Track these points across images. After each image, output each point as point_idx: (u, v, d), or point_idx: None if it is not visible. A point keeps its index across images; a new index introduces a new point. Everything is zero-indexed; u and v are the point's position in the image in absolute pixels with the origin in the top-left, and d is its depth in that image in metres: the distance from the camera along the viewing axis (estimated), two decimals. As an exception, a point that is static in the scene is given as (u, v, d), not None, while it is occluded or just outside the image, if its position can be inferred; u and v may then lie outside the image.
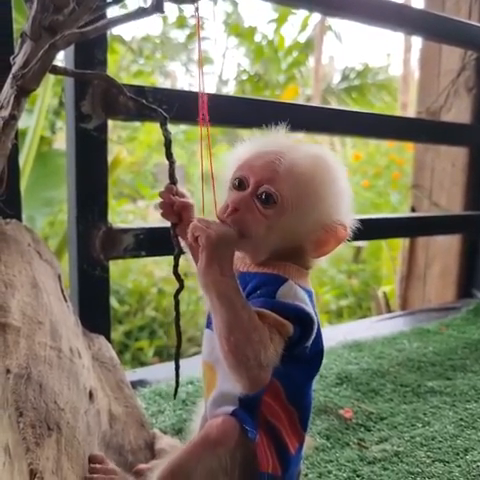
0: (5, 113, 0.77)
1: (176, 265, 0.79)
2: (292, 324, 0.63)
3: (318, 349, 0.70)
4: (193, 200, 0.77)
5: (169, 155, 0.77)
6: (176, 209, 0.74)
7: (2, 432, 0.68)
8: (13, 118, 0.78)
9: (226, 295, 0.60)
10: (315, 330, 0.66)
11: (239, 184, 0.68)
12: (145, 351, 3.05)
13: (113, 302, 3.05)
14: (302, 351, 0.67)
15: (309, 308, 0.65)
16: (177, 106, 1.05)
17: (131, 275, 3.34)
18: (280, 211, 0.65)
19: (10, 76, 0.77)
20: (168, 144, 0.78)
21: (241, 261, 0.70)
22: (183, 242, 0.77)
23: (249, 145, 0.70)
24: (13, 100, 0.77)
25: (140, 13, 0.73)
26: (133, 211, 4.00)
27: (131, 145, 4.39)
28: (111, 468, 0.67)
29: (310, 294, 0.68)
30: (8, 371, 0.66)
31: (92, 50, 1.00)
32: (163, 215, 0.75)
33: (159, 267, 3.40)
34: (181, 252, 0.78)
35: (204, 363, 0.73)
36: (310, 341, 0.67)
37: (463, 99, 1.93)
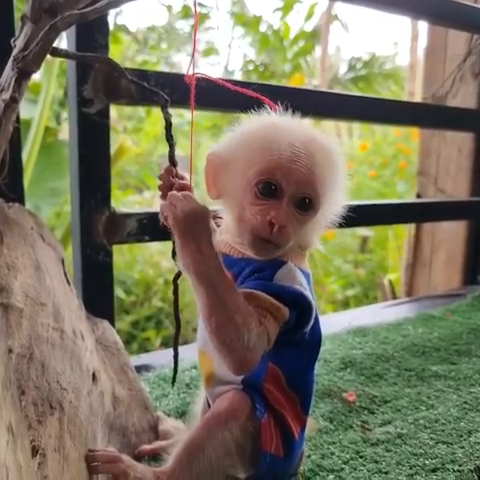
0: (6, 95, 0.77)
1: (174, 248, 0.79)
2: (289, 308, 0.62)
3: (316, 333, 0.70)
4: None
5: (169, 137, 0.77)
6: (175, 191, 0.74)
7: (5, 411, 0.68)
8: (14, 101, 0.78)
9: (206, 275, 0.57)
10: (313, 315, 0.66)
11: (267, 189, 0.63)
12: (152, 341, 3.06)
13: (120, 292, 3.07)
14: (299, 336, 0.67)
15: (307, 292, 0.65)
16: (180, 90, 1.04)
17: (138, 265, 3.35)
18: (313, 214, 0.65)
19: (11, 59, 0.77)
20: (168, 126, 0.77)
21: (234, 247, 0.69)
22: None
23: (251, 132, 0.66)
24: (14, 83, 0.77)
25: (140, -7, 0.73)
26: (139, 202, 4.01)
27: (137, 136, 4.39)
28: (116, 454, 0.66)
29: (308, 276, 0.68)
30: (10, 351, 0.66)
31: (93, 34, 1.00)
32: (163, 197, 0.75)
33: (165, 257, 3.41)
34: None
35: (200, 352, 0.73)
36: (309, 326, 0.66)
37: (469, 84, 1.92)
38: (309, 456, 0.81)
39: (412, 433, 0.88)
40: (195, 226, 0.57)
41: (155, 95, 0.78)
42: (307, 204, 0.64)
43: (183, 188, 0.74)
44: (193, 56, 0.70)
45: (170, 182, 0.73)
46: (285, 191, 0.63)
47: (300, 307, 0.64)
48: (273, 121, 0.66)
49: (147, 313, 3.17)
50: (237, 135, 0.67)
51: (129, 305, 3.20)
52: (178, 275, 0.80)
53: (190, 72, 0.70)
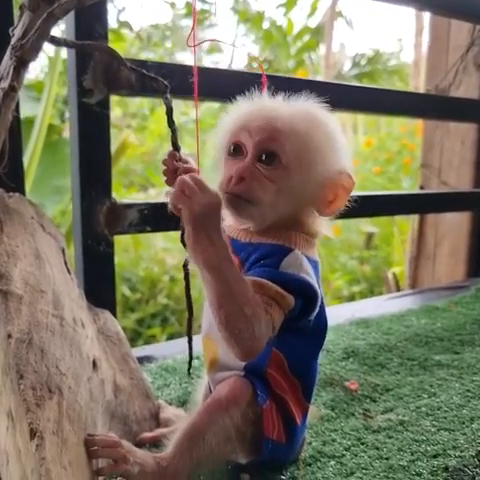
0: (5, 84, 0.78)
1: (183, 233, 0.78)
2: (294, 296, 0.62)
3: (321, 321, 0.70)
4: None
5: (171, 123, 0.77)
6: (180, 175, 0.74)
7: (5, 397, 0.68)
8: (13, 89, 0.78)
9: (217, 267, 0.57)
10: (318, 303, 0.66)
11: (235, 150, 0.66)
12: (157, 338, 3.06)
13: (125, 290, 3.07)
14: (304, 324, 0.67)
15: (313, 280, 0.64)
16: (181, 80, 1.04)
17: (143, 263, 3.35)
18: (285, 171, 0.64)
19: (9, 47, 0.77)
20: (169, 112, 0.77)
21: (242, 231, 0.70)
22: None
23: (238, 109, 0.68)
24: (12, 71, 0.77)
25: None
26: (144, 199, 4.02)
27: (141, 135, 4.40)
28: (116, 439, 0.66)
29: (316, 264, 0.68)
30: (9, 336, 0.66)
31: (93, 24, 1.00)
32: (167, 182, 0.75)
33: (171, 255, 3.41)
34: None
35: (204, 337, 0.73)
36: (313, 314, 0.66)
37: (472, 75, 1.91)
38: (310, 443, 0.81)
39: (414, 420, 0.88)
40: (209, 219, 0.57)
41: (154, 81, 0.78)
42: (271, 158, 0.63)
43: (188, 171, 0.74)
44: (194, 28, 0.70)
45: (174, 166, 0.73)
46: (246, 149, 0.65)
47: (306, 295, 0.64)
48: (254, 100, 0.68)
49: (152, 310, 3.17)
50: (224, 118, 0.70)
51: (134, 302, 3.20)
52: (188, 261, 0.80)
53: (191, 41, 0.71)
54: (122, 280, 3.09)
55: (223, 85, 0.96)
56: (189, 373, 0.86)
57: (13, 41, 0.77)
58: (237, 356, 0.61)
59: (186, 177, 0.58)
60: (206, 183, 0.58)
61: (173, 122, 0.77)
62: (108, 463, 0.64)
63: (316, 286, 0.65)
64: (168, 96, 0.78)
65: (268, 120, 0.64)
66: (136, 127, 4.39)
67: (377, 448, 0.80)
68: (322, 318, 0.69)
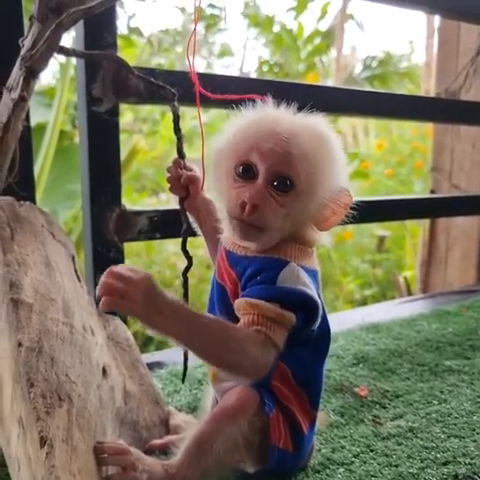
0: (15, 94, 0.79)
1: (184, 241, 0.79)
2: (296, 311, 0.62)
3: (325, 330, 0.69)
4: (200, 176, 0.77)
5: (177, 130, 0.78)
6: (184, 183, 0.75)
7: (16, 404, 0.69)
8: (23, 99, 0.79)
9: (180, 333, 0.58)
10: (320, 314, 0.66)
11: (245, 171, 0.63)
12: (169, 343, 3.06)
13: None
14: (308, 334, 0.67)
15: (312, 292, 0.64)
16: (189, 88, 1.05)
17: (155, 267, 3.37)
18: (297, 196, 0.63)
19: (19, 58, 0.78)
20: (176, 120, 0.78)
21: (238, 245, 0.69)
22: (192, 217, 0.78)
23: (244, 124, 0.65)
24: (22, 81, 0.78)
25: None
26: (155, 204, 4.03)
27: (152, 139, 4.42)
28: (125, 447, 0.67)
29: (314, 274, 0.67)
30: (20, 344, 0.67)
31: (101, 33, 1.01)
32: (171, 189, 0.76)
33: (182, 259, 3.42)
34: (190, 228, 0.79)
35: None
36: (316, 324, 0.66)
37: (482, 78, 1.90)
38: (319, 450, 0.81)
39: (424, 427, 0.87)
40: (152, 300, 0.56)
41: (162, 89, 0.79)
42: (285, 183, 0.62)
43: (191, 180, 0.75)
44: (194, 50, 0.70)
45: (178, 174, 0.74)
46: (261, 171, 0.62)
47: (306, 308, 0.63)
48: (260, 111, 0.66)
49: (164, 315, 3.17)
50: (227, 128, 0.67)
51: (146, 307, 3.21)
52: (187, 269, 0.81)
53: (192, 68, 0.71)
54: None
55: (230, 91, 0.96)
56: (183, 381, 0.87)
57: (23, 52, 0.78)
58: (249, 381, 0.64)
59: (108, 280, 0.56)
60: (124, 271, 0.56)
61: (179, 130, 0.78)
62: (117, 470, 0.65)
63: (316, 297, 0.64)
64: (175, 104, 0.79)
65: (281, 143, 0.62)
66: (147, 132, 4.42)
67: (386, 455, 0.79)
68: (325, 326, 0.69)
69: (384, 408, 0.95)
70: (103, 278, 0.56)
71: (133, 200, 3.48)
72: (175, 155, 0.76)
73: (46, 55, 0.78)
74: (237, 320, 0.64)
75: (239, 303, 0.63)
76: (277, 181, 0.62)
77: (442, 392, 1.00)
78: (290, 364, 0.68)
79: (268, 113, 0.65)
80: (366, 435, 0.85)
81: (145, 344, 3.02)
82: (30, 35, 0.79)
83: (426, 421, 0.89)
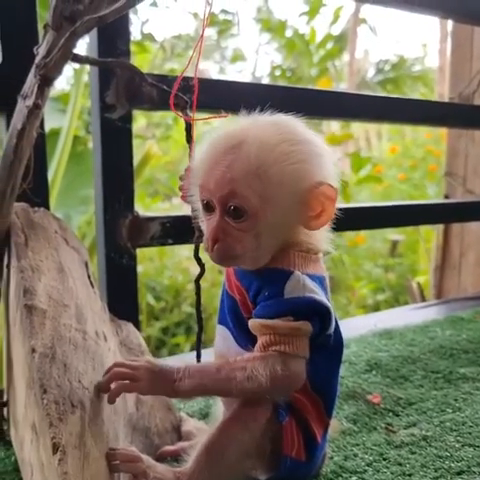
0: (29, 102, 0.79)
1: (197, 248, 0.79)
2: (309, 319, 0.62)
3: (337, 336, 0.69)
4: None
5: (189, 138, 0.78)
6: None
7: (29, 410, 0.70)
8: (37, 107, 0.80)
9: (196, 387, 0.63)
10: (333, 317, 0.66)
11: (206, 206, 0.65)
12: (182, 347, 3.07)
13: (150, 299, 3.09)
14: (325, 339, 0.67)
15: (321, 296, 0.64)
16: (202, 95, 1.05)
17: (167, 272, 3.38)
18: (255, 217, 0.62)
19: (33, 66, 0.79)
20: (188, 128, 0.78)
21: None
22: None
23: (201, 152, 0.66)
24: (37, 89, 0.79)
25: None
26: (168, 209, 4.04)
27: (165, 144, 4.44)
28: (136, 454, 0.67)
29: (321, 280, 0.66)
30: (33, 350, 0.68)
31: (115, 41, 1.02)
32: (183, 198, 0.76)
33: (194, 264, 3.42)
34: (202, 235, 0.79)
35: (219, 355, 0.73)
36: (331, 328, 0.66)
37: (496, 83, 1.88)
38: (332, 457, 0.81)
39: (438, 435, 0.87)
40: (156, 376, 0.64)
41: (175, 97, 0.79)
42: (236, 212, 0.62)
43: None
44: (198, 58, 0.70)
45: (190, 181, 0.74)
46: (215, 205, 0.63)
47: (319, 314, 0.63)
48: (213, 139, 0.65)
49: (177, 319, 3.18)
50: (198, 150, 0.68)
51: (159, 311, 3.22)
52: (200, 276, 0.81)
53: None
54: (147, 289, 3.12)
55: (239, 98, 0.96)
56: None
57: (37, 60, 0.79)
58: (285, 396, 0.67)
59: (116, 369, 0.66)
60: (126, 360, 0.67)
61: (191, 137, 0.78)
62: (129, 478, 0.65)
63: (325, 301, 0.64)
64: (188, 111, 0.79)
65: (222, 172, 0.61)
66: (160, 137, 4.44)
67: (400, 464, 0.79)
68: (337, 333, 0.69)
69: (397, 416, 0.94)
70: (111, 370, 0.66)
71: (146, 205, 3.50)
72: (188, 161, 0.76)
73: (60, 63, 0.78)
74: (252, 334, 0.64)
75: (254, 325, 0.64)
76: (229, 211, 0.62)
77: (456, 400, 0.99)
78: (307, 371, 0.68)
79: (216, 141, 0.64)
80: (379, 443, 0.85)
81: (158, 348, 3.04)
82: (44, 43, 0.80)
83: (440, 430, 0.88)
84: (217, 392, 0.66)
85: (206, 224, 0.65)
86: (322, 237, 0.68)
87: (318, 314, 0.63)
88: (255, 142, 0.61)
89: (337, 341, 0.70)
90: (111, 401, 0.65)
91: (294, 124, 0.64)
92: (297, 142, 0.62)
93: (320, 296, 0.64)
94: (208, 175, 0.63)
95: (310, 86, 5.17)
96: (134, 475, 0.64)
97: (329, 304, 0.64)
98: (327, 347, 0.68)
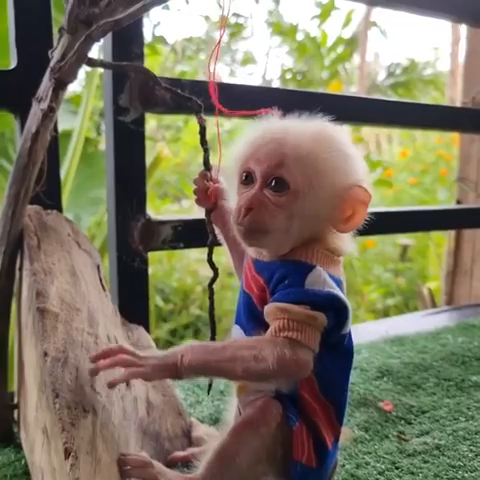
0: (44, 105, 0.80)
1: (210, 253, 0.79)
2: (326, 311, 0.62)
3: (349, 343, 0.68)
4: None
5: (203, 142, 0.77)
6: (210, 195, 0.75)
7: (41, 413, 0.70)
8: (51, 110, 0.80)
9: (198, 365, 0.62)
10: (350, 315, 0.65)
11: (246, 178, 0.66)
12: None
13: (158, 300, 3.10)
14: (338, 340, 0.66)
15: (340, 293, 0.64)
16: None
17: (176, 274, 3.38)
18: (295, 195, 0.63)
19: (48, 69, 0.79)
20: (202, 131, 0.78)
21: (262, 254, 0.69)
22: (217, 228, 0.77)
23: (249, 134, 0.67)
24: (51, 92, 0.79)
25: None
26: (177, 211, 4.05)
27: (175, 146, 4.44)
28: (147, 460, 0.67)
29: (339, 283, 0.66)
30: (46, 354, 0.68)
31: (129, 45, 1.02)
32: (197, 201, 0.76)
33: (204, 266, 3.42)
34: (215, 239, 0.78)
35: None
36: (347, 328, 0.65)
37: (510, 88, 1.87)
38: (343, 465, 0.80)
39: (450, 445, 0.86)
40: (160, 359, 0.63)
41: (189, 101, 0.79)
42: (279, 184, 0.63)
43: (218, 192, 0.75)
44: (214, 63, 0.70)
45: (205, 186, 0.74)
46: (257, 176, 0.64)
47: (336, 308, 0.63)
48: (265, 122, 0.67)
49: (185, 321, 3.18)
50: (236, 143, 0.69)
51: (167, 313, 3.23)
52: (213, 280, 0.80)
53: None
54: (155, 291, 3.12)
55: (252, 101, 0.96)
56: (209, 393, 0.87)
57: (52, 63, 0.79)
58: (290, 381, 0.65)
59: (122, 357, 0.64)
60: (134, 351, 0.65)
61: (206, 142, 0.77)
62: None
63: (344, 298, 0.64)
64: (202, 116, 0.79)
65: (275, 145, 0.63)
66: (170, 138, 4.45)
67: (412, 473, 0.78)
68: (349, 339, 0.68)
69: (409, 424, 0.93)
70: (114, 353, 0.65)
71: (156, 207, 3.51)
72: (199, 161, 0.76)
73: (75, 66, 0.78)
74: (265, 326, 0.64)
75: (269, 308, 0.63)
76: (272, 183, 0.63)
77: (469, 409, 0.98)
78: (316, 373, 0.67)
79: (271, 122, 0.67)
80: (391, 451, 0.84)
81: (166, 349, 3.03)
82: (59, 46, 0.80)
83: (453, 438, 0.88)
84: (221, 371, 0.64)
85: (240, 197, 0.65)
86: (347, 240, 0.67)
87: (335, 309, 0.63)
88: (304, 135, 0.63)
89: (348, 347, 0.69)
90: (112, 386, 0.65)
91: (333, 126, 0.66)
92: (339, 143, 0.64)
93: (340, 292, 0.63)
94: (257, 148, 0.64)
95: (321, 89, 5.17)
96: None
97: (347, 302, 0.64)
98: (339, 350, 0.67)
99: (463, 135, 2.10)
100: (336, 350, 0.67)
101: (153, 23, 4.21)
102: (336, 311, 0.63)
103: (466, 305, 1.79)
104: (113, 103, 1.03)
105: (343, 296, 0.64)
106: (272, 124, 0.67)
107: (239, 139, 0.68)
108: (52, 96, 0.80)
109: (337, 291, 0.63)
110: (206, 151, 0.77)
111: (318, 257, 0.65)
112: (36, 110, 0.80)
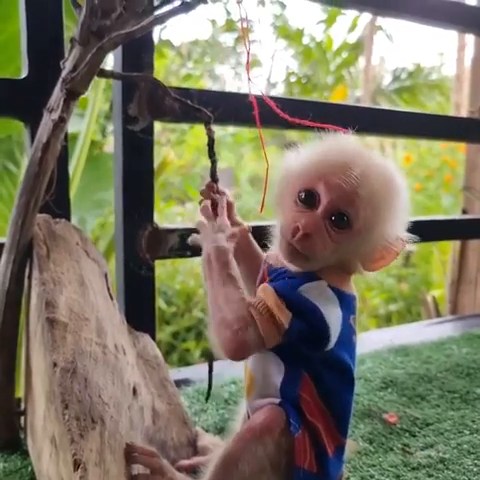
0: (55, 116, 0.80)
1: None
2: (297, 317, 0.61)
3: (344, 361, 0.68)
4: (235, 200, 0.77)
5: (211, 154, 0.78)
6: (215, 208, 0.75)
7: (49, 423, 0.70)
8: (62, 121, 0.80)
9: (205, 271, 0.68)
10: (327, 336, 0.63)
11: (307, 198, 0.63)
12: (192, 352, 3.08)
13: (161, 303, 3.10)
14: (328, 356, 0.66)
15: (328, 313, 0.62)
16: (222, 108, 1.05)
17: (179, 276, 3.38)
18: (352, 235, 0.62)
19: (60, 80, 0.80)
20: (211, 143, 0.78)
21: (281, 262, 0.69)
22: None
23: (312, 152, 0.66)
24: (62, 103, 0.80)
25: (184, 7, 0.74)
26: (181, 213, 4.06)
27: (179, 148, 4.46)
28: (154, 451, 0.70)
29: (350, 299, 0.66)
30: (55, 365, 0.68)
31: (139, 54, 1.03)
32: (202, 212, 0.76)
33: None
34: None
35: (245, 367, 0.73)
36: (324, 345, 0.64)
37: (517, 97, 1.87)
38: (348, 478, 0.80)
39: (455, 458, 0.86)
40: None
41: (198, 112, 0.79)
42: (342, 220, 0.62)
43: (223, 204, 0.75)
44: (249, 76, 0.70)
45: (211, 198, 0.74)
46: (322, 203, 0.62)
47: (309, 320, 0.62)
48: (333, 142, 0.65)
49: (187, 324, 3.19)
50: (302, 151, 0.67)
51: (170, 316, 3.23)
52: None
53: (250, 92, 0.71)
54: (158, 293, 3.13)
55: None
56: (207, 401, 0.87)
57: (64, 74, 0.80)
58: (222, 352, 0.63)
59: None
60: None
61: (214, 153, 0.78)
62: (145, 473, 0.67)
63: (327, 320, 0.62)
64: (211, 127, 0.79)
65: (351, 181, 0.61)
66: (174, 141, 4.46)
67: (417, 487, 0.78)
68: (343, 355, 0.68)
69: (414, 436, 0.93)
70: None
71: (159, 209, 3.51)
72: (202, 164, 0.76)
73: (87, 78, 0.79)
74: None
75: (258, 289, 0.64)
76: (335, 216, 0.62)
77: (474, 421, 0.98)
78: (311, 376, 0.67)
79: (342, 146, 0.65)
80: (396, 464, 0.84)
81: (168, 352, 3.04)
82: (71, 57, 0.80)
83: (457, 452, 0.88)
84: (207, 292, 0.66)
85: (295, 214, 0.64)
86: (357, 259, 0.68)
87: (308, 320, 0.62)
88: (380, 177, 0.62)
89: (343, 364, 0.69)
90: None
91: (394, 166, 0.66)
92: (402, 194, 0.64)
93: (327, 311, 0.62)
94: (328, 174, 0.62)
95: (326, 94, 5.17)
96: (151, 471, 0.66)
97: (329, 324, 0.63)
98: (334, 367, 0.68)
99: (469, 144, 2.10)
100: (330, 365, 0.67)
101: (160, 27, 4.23)
102: (308, 324, 0.62)
103: (471, 315, 1.79)
104: (122, 112, 1.03)
105: (327, 316, 0.62)
106: (345, 150, 0.64)
107: (302, 151, 0.67)
108: (63, 107, 0.80)
109: (325, 309, 0.62)
110: (214, 163, 0.77)
111: (328, 273, 0.65)
112: (47, 120, 0.81)
